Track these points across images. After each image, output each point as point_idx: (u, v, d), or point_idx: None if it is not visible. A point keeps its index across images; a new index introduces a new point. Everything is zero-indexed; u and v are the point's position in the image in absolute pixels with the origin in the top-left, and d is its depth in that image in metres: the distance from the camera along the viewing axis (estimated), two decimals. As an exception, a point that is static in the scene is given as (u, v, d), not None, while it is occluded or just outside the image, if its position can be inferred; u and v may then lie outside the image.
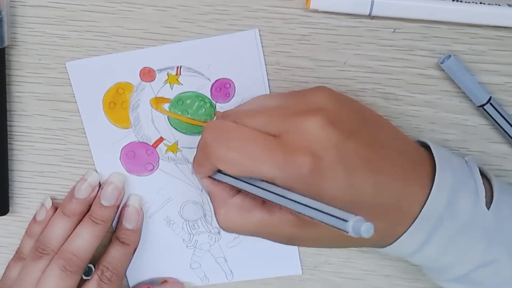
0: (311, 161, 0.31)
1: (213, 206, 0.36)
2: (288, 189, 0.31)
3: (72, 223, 0.42)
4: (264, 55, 0.39)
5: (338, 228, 0.27)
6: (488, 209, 0.35)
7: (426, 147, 0.37)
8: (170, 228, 0.44)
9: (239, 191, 0.35)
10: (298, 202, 0.30)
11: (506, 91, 0.40)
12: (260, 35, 0.39)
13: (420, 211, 0.33)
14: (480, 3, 0.37)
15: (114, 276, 0.41)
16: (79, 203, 0.42)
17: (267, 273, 0.45)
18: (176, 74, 0.40)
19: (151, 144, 0.42)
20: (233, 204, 0.35)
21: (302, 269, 0.45)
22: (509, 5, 0.37)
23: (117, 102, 0.41)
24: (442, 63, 0.38)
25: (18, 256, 0.43)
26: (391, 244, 0.35)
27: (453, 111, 0.40)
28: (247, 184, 0.33)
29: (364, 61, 0.39)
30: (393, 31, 0.39)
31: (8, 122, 0.41)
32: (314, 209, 0.29)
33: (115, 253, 0.42)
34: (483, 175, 0.37)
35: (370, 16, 0.38)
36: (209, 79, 0.40)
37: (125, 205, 0.43)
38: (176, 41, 0.39)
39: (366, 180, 0.32)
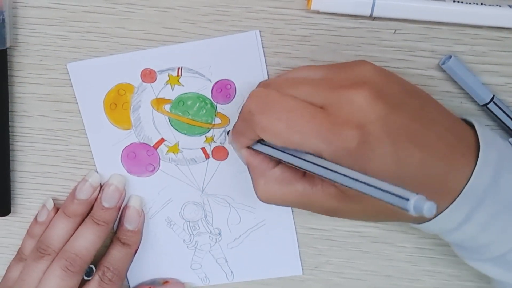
0: (359, 134, 0.30)
1: (251, 177, 0.36)
2: (335, 163, 0.30)
3: (74, 223, 0.42)
4: (265, 56, 0.39)
5: (398, 206, 0.26)
6: None
7: (471, 125, 0.36)
8: (171, 229, 0.44)
9: (278, 162, 0.35)
10: (351, 177, 0.29)
11: (507, 91, 0.40)
12: (261, 36, 0.39)
13: (464, 187, 0.33)
14: (481, 4, 0.37)
15: (115, 276, 0.41)
16: (80, 203, 0.42)
17: (268, 274, 0.45)
18: (177, 75, 0.40)
19: (152, 145, 0.42)
20: (273, 175, 0.35)
21: (302, 269, 0.45)
22: (510, 6, 0.37)
23: (118, 103, 0.41)
24: (443, 64, 0.38)
25: (19, 256, 0.43)
26: (432, 220, 0.34)
27: (454, 112, 0.40)
28: (290, 156, 0.32)
29: (365, 62, 0.39)
30: (394, 32, 0.39)
31: (9, 123, 0.41)
32: (371, 185, 0.28)
33: (116, 253, 0.42)
34: None
35: (371, 17, 0.38)
36: (210, 80, 0.40)
37: (126, 206, 0.43)
38: (177, 42, 0.39)
39: (413, 154, 0.32)
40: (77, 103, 0.41)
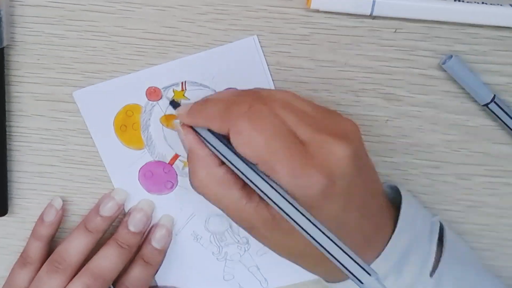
0: (326, 183, 0.31)
1: (191, 164, 0.35)
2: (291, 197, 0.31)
3: (94, 239, 0.41)
4: (266, 59, 0.39)
5: (353, 276, 0.28)
6: (431, 276, 0.36)
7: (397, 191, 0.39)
8: (198, 243, 0.44)
9: (222, 162, 0.34)
10: (310, 221, 0.30)
11: (508, 91, 0.40)
12: (259, 40, 0.39)
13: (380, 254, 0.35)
14: (482, 3, 0.37)
15: None
16: (104, 220, 0.41)
17: (302, 277, 0.44)
18: (182, 90, 0.40)
19: (167, 162, 0.41)
20: (217, 174, 0.34)
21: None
22: (511, 5, 0.37)
23: (127, 125, 0.41)
24: (443, 63, 0.38)
25: (23, 260, 0.42)
26: (340, 281, 0.36)
27: (454, 112, 0.40)
28: (243, 165, 0.32)
29: (365, 61, 0.39)
30: (394, 31, 0.39)
31: (6, 123, 0.41)
32: (334, 243, 0.29)
33: (138, 273, 0.41)
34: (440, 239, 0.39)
35: (371, 16, 0.38)
36: (215, 90, 0.40)
37: (156, 225, 0.43)
38: (175, 41, 0.39)
39: (354, 221, 0.33)
40: (75, 102, 0.41)
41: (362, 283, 0.28)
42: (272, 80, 0.40)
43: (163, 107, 0.40)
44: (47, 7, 0.39)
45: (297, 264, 0.36)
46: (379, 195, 0.36)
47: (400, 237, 0.36)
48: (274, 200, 0.31)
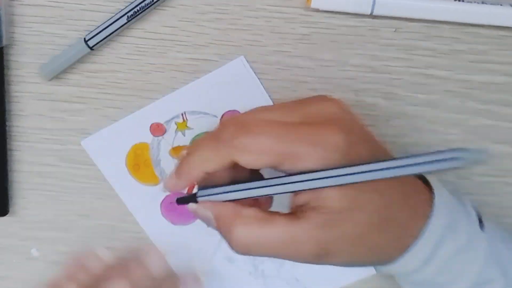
0: (342, 131, 0.30)
1: (223, 228, 0.32)
2: (321, 170, 0.29)
3: None
4: (258, 78, 0.39)
5: (452, 168, 0.26)
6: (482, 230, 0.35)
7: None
8: (233, 265, 0.44)
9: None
10: (371, 171, 0.28)
11: (508, 90, 0.40)
12: (246, 59, 0.39)
13: (424, 229, 0.33)
14: (482, 3, 0.37)
15: None
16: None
17: (342, 281, 0.44)
18: (184, 121, 0.41)
19: (185, 192, 0.42)
20: (250, 214, 0.31)
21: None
22: (510, 5, 0.37)
23: (139, 163, 0.42)
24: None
25: None
26: (394, 261, 0.33)
27: (454, 111, 0.40)
28: (270, 187, 0.30)
29: (365, 60, 0.39)
30: (395, 31, 0.39)
31: (6, 122, 0.41)
32: (411, 165, 0.28)
33: None
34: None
35: (372, 16, 0.38)
36: (216, 116, 0.40)
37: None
38: (174, 40, 0.39)
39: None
40: (76, 101, 0.41)
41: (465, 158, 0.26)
42: (268, 94, 0.40)
43: (169, 140, 0.41)
44: (47, 7, 0.39)
45: (363, 263, 0.34)
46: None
47: (441, 193, 0.34)
48: (329, 176, 0.29)
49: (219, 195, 0.32)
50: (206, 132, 0.40)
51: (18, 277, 0.45)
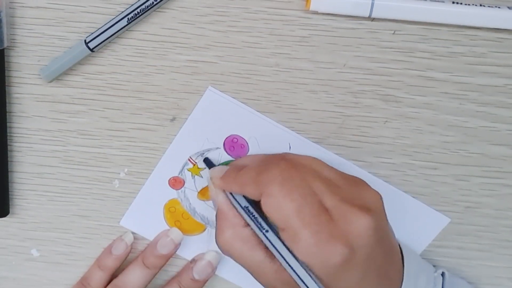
0: (346, 254, 0.32)
1: (219, 223, 0.37)
2: (308, 267, 0.33)
3: (151, 275, 0.43)
4: (230, 97, 0.40)
5: None
6: None
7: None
8: None
9: (247, 224, 0.36)
10: None
11: (506, 93, 0.40)
12: (215, 88, 0.40)
13: None
14: (480, 5, 0.37)
15: None
16: (161, 257, 0.42)
17: None
18: (194, 165, 0.42)
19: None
20: (242, 233, 0.36)
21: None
22: (509, 8, 0.37)
23: (179, 219, 0.43)
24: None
25: (83, 285, 0.43)
26: None
27: (452, 113, 0.40)
28: (269, 233, 0.34)
29: (364, 63, 0.39)
30: (393, 33, 0.39)
31: (7, 124, 0.41)
32: None
33: None
34: None
35: (370, 18, 0.38)
36: (218, 147, 0.41)
37: (199, 256, 0.44)
38: (174, 42, 0.39)
39: (371, 284, 0.34)
40: (76, 103, 0.41)
41: None
42: (249, 107, 0.40)
43: (191, 187, 0.42)
44: (48, 9, 0.39)
45: None
46: (397, 260, 0.37)
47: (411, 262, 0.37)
48: (293, 268, 0.33)
49: (233, 199, 0.36)
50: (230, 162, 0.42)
51: (18, 277, 0.46)
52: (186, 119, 0.41)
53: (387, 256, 0.35)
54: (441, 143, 0.41)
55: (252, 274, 0.36)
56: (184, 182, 0.42)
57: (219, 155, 0.41)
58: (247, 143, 0.41)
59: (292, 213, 0.33)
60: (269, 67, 0.40)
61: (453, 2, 0.37)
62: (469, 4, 0.37)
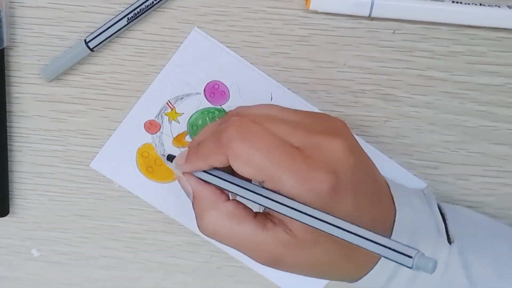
0: (332, 179, 0.31)
1: (198, 208, 0.34)
2: (297, 202, 0.31)
3: None
4: (217, 40, 0.39)
5: (397, 262, 0.27)
6: (450, 243, 0.36)
7: None
8: None
9: (228, 198, 0.34)
10: (340, 227, 0.29)
11: (506, 92, 0.40)
12: (200, 28, 0.39)
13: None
14: (480, 4, 0.37)
15: None
16: None
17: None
18: (172, 109, 0.41)
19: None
20: (226, 209, 0.33)
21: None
22: (508, 7, 0.37)
23: (151, 165, 0.42)
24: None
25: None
26: (363, 277, 0.35)
27: (453, 112, 0.40)
28: (249, 192, 0.32)
29: (364, 62, 0.39)
30: (393, 32, 0.39)
31: (7, 123, 0.41)
32: (368, 239, 0.28)
33: None
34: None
35: (370, 17, 0.38)
36: (199, 92, 0.40)
37: None
38: (174, 42, 0.39)
39: (366, 211, 0.33)
40: (76, 102, 0.41)
41: (411, 267, 0.27)
42: (239, 55, 0.39)
43: (167, 132, 0.41)
44: (48, 8, 0.39)
45: (326, 277, 0.36)
46: (386, 188, 0.36)
47: (404, 214, 0.35)
48: (301, 211, 0.30)
49: (202, 174, 0.34)
50: (210, 122, 0.40)
51: (18, 277, 0.46)
52: (165, 65, 0.40)
53: (374, 183, 0.35)
54: (441, 142, 0.41)
55: (245, 252, 0.34)
56: (160, 126, 0.41)
57: (199, 101, 0.40)
58: (228, 90, 0.40)
59: (265, 162, 0.31)
60: (269, 67, 0.40)
61: (453, 1, 0.37)
62: (469, 3, 0.37)
